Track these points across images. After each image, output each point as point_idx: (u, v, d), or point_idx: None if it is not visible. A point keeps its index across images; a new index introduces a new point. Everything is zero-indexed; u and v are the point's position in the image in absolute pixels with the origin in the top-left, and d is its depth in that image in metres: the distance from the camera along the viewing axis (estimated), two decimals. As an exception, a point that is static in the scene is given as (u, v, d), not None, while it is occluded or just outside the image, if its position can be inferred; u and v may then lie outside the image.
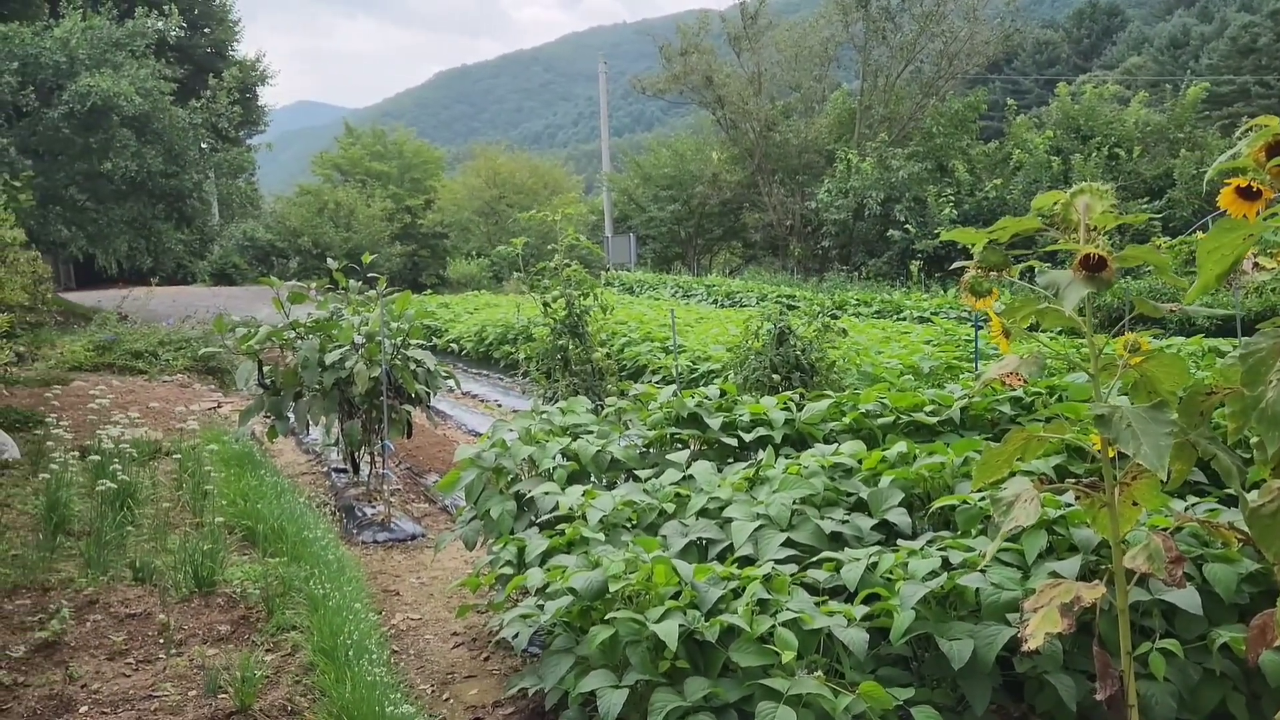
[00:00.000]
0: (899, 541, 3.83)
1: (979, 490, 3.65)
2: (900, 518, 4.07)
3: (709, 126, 34.94)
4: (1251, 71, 44.09)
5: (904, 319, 15.59)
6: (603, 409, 5.91)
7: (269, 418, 7.47)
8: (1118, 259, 2.74)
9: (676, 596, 3.42)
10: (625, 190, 35.80)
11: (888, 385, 7.03)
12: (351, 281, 8.05)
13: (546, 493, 4.70)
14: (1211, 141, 23.53)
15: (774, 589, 3.39)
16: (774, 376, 6.54)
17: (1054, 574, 3.32)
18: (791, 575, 3.59)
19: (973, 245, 2.92)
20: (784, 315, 6.81)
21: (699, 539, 4.09)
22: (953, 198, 23.93)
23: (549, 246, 7.50)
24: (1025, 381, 2.78)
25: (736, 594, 3.44)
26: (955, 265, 3.00)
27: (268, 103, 41.71)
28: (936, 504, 3.99)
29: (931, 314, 15.48)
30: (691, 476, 4.62)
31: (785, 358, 6.58)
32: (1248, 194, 2.54)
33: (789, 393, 5.74)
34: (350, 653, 3.93)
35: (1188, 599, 3.16)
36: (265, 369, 7.44)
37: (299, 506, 6.31)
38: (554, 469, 4.94)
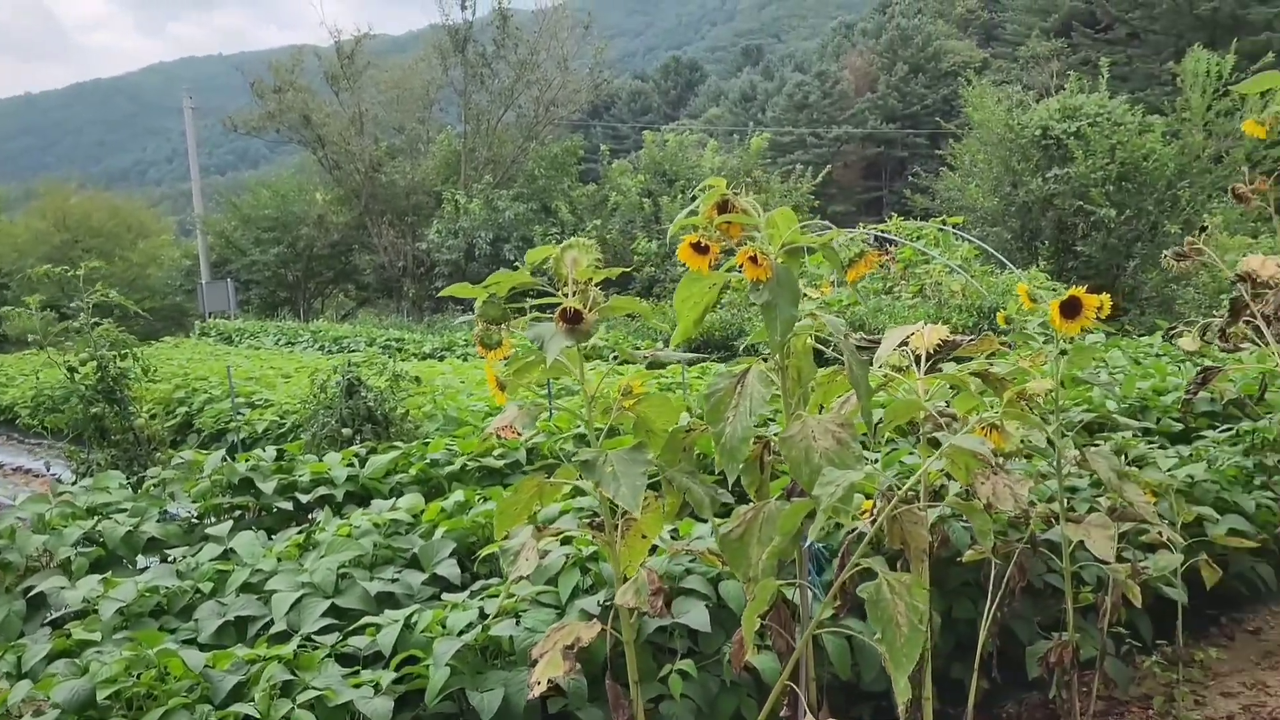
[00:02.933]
0: (444, 595, 3.78)
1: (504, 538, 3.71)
2: (450, 570, 4.02)
3: (313, 166, 33.65)
4: (806, 124, 50.69)
5: (510, 358, 15.89)
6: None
7: None
8: (603, 310, 2.88)
9: (193, 690, 3.11)
10: (223, 233, 33.40)
11: (472, 428, 7.04)
12: None
13: (62, 587, 4.12)
14: (774, 185, 26.58)
15: (301, 666, 3.18)
16: (344, 431, 6.31)
17: (584, 612, 3.43)
18: (333, 645, 3.41)
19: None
20: (352, 367, 6.59)
21: (236, 618, 3.78)
22: (557, 237, 24.94)
23: (72, 303, 6.68)
24: (519, 433, 2.85)
25: (265, 677, 3.19)
26: (459, 320, 3.03)
27: None
28: (483, 553, 4.00)
29: (536, 352, 15.92)
30: (234, 550, 4.27)
31: (355, 410, 6.37)
32: (699, 249, 2.77)
33: (356, 447, 5.55)
34: None
35: (698, 619, 3.40)
36: None
37: None
38: (74, 557, 4.35)
